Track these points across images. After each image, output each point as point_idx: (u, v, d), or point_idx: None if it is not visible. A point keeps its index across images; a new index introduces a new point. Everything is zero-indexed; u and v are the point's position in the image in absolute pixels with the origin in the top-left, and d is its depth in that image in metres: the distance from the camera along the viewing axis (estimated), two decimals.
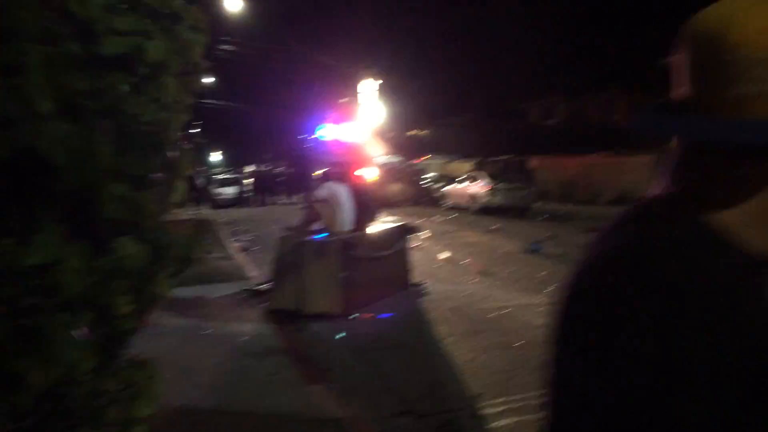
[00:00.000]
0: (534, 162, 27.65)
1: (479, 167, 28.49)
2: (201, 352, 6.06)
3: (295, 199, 29.48)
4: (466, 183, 23.87)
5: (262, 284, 8.71)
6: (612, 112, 35.91)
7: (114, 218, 1.31)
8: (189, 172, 1.68)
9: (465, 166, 31.19)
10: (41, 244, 1.11)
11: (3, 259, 1.09)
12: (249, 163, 31.86)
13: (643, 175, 23.74)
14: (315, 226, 7.79)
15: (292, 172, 31.02)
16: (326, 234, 7.57)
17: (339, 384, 5.31)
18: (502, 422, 4.42)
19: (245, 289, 8.68)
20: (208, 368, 5.58)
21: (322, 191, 7.98)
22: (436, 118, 42.10)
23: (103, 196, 1.26)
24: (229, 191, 29.27)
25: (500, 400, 4.78)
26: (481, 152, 33.55)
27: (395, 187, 26.22)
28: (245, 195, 29.61)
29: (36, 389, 1.13)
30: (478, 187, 22.67)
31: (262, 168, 30.86)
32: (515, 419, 4.43)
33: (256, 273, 10.02)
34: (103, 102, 1.29)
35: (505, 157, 30.14)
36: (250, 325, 7.11)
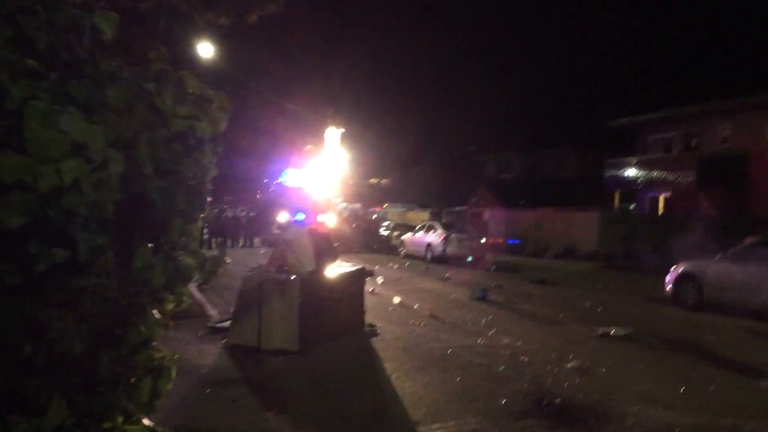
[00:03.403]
0: (487, 214, 28.71)
1: (435, 217, 29.43)
2: None
3: (255, 242, 29.75)
4: (422, 232, 24.69)
5: (221, 321, 9.19)
6: (564, 168, 37.59)
7: (176, 241, 1.98)
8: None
9: (422, 215, 32.10)
10: (140, 254, 1.76)
11: (114, 265, 1.74)
12: (208, 206, 31.99)
13: (589, 231, 24.99)
14: (277, 267, 8.35)
15: (254, 216, 31.38)
16: (288, 274, 8.13)
17: (294, 411, 5.85)
18: None
19: (206, 326, 9.12)
20: (174, 394, 5.99)
21: (285, 234, 8.59)
22: (397, 168, 43.20)
23: (173, 227, 1.93)
24: None
25: (436, 425, 5.41)
26: (439, 202, 34.63)
27: (354, 233, 26.86)
28: (205, 237, 29.82)
29: (131, 346, 1.76)
30: (434, 236, 23.51)
31: (223, 211, 31.04)
32: None
33: (216, 311, 10.46)
34: (171, 165, 1.97)
35: (460, 208, 31.20)
36: (211, 359, 7.58)
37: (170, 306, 2.13)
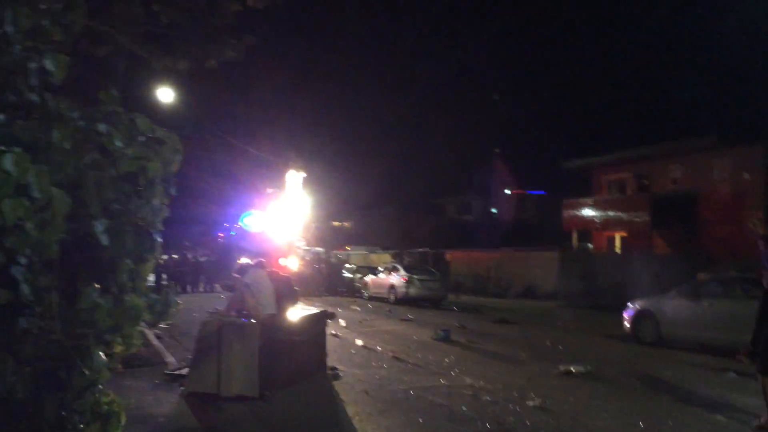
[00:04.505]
0: (449, 255, 28.86)
1: (397, 259, 29.45)
2: None
3: (215, 286, 29.27)
4: (385, 274, 24.67)
5: (179, 368, 8.97)
6: (522, 210, 38.23)
7: (125, 282, 1.96)
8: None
9: (385, 257, 32.10)
10: (86, 295, 1.75)
11: (59, 306, 1.72)
12: (167, 250, 31.48)
13: (549, 271, 25.32)
14: (237, 311, 8.23)
15: (213, 260, 30.97)
16: (247, 318, 8.02)
17: None
18: None
19: (163, 373, 8.88)
20: None
21: (245, 277, 8.49)
22: (359, 211, 43.31)
23: (122, 267, 1.92)
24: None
25: None
26: (401, 244, 34.72)
27: (316, 276, 26.68)
28: (163, 282, 29.20)
29: (76, 390, 1.73)
30: (396, 278, 23.51)
31: (182, 255, 30.57)
32: None
33: (173, 358, 10.21)
34: (119, 206, 1.98)
35: (422, 249, 31.27)
36: (168, 407, 7.36)
37: (119, 349, 2.11)
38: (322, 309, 10.38)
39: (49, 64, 1.82)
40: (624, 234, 29.82)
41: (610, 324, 15.66)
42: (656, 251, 26.71)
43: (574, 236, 32.30)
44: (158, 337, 12.62)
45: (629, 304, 13.93)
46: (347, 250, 35.86)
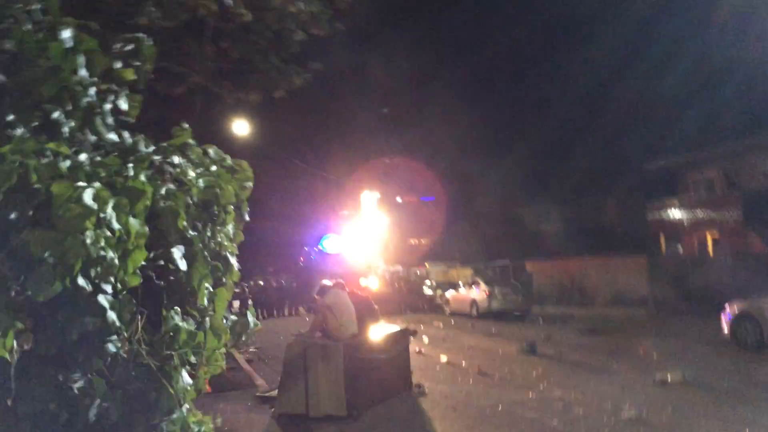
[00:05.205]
0: (530, 266, 28.29)
1: (477, 273, 29.11)
2: None
3: (299, 310, 29.87)
4: (466, 289, 24.43)
5: (269, 390, 9.18)
6: (603, 215, 37.07)
7: (204, 305, 2.06)
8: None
9: (464, 272, 31.80)
10: (169, 319, 1.84)
11: (144, 330, 1.82)
12: (251, 277, 32.43)
13: (637, 276, 24.35)
14: (320, 332, 8.36)
15: (296, 285, 31.61)
16: (331, 339, 8.13)
17: None
18: None
19: (254, 396, 9.12)
20: None
21: (327, 299, 8.61)
22: (436, 227, 43.10)
23: (201, 291, 2.01)
24: (233, 305, 29.60)
25: None
26: (480, 258, 34.31)
27: (396, 294, 26.73)
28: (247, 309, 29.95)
29: (164, 410, 1.82)
30: (478, 292, 23.22)
31: (266, 281, 31.41)
32: None
33: (263, 381, 10.46)
34: (195, 232, 2.08)
35: (502, 261, 30.80)
36: (260, 428, 7.55)
37: (203, 370, 2.19)
38: (404, 327, 10.39)
39: (123, 104, 1.95)
40: (715, 234, 28.34)
41: (705, 329, 14.85)
42: (752, 250, 25.21)
43: (661, 239, 30.97)
44: (248, 361, 12.98)
45: (726, 306, 13.16)
46: (426, 266, 35.77)
